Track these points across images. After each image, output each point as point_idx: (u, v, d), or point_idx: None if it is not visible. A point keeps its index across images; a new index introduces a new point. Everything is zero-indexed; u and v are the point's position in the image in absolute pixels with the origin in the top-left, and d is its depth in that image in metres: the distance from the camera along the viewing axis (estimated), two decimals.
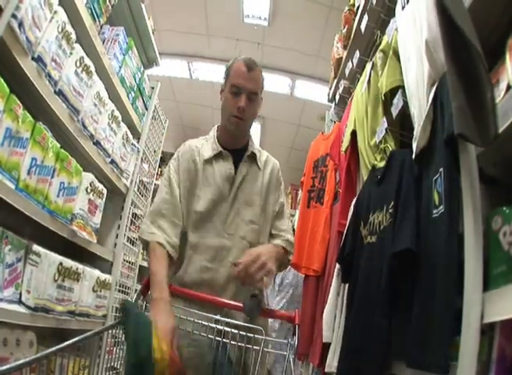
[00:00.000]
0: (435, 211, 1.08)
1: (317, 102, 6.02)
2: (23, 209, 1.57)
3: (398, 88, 1.58)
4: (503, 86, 0.98)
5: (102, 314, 2.27)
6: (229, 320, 1.34)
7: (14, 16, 1.41)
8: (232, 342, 1.29)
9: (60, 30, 1.73)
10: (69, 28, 1.80)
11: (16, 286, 1.59)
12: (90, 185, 2.10)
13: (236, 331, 1.29)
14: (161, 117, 3.52)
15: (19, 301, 1.60)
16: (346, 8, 2.72)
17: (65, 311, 1.84)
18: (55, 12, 1.68)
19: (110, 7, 2.32)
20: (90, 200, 2.11)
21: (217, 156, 1.69)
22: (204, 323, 1.32)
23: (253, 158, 1.73)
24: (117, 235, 2.70)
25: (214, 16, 5.17)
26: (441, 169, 1.07)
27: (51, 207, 1.76)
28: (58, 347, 0.93)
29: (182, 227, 1.58)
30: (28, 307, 1.60)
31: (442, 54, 1.06)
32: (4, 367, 0.74)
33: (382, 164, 1.61)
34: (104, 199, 2.31)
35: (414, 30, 1.37)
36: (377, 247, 1.38)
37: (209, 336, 1.30)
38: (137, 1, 2.79)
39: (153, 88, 3.23)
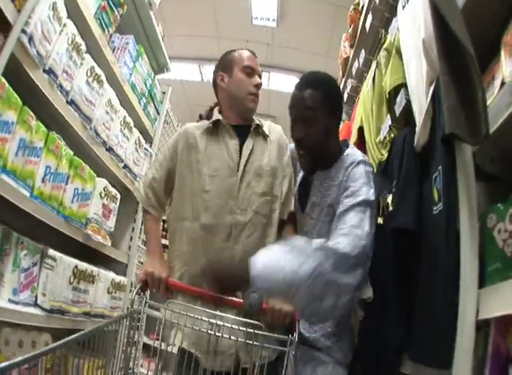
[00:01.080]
0: (434, 208, 1.10)
1: None
2: (39, 215, 1.63)
3: (401, 86, 1.59)
4: (497, 83, 0.99)
5: (117, 315, 2.33)
6: (229, 316, 1.33)
7: (24, 31, 1.47)
8: (232, 338, 1.28)
9: (70, 42, 1.79)
10: (78, 39, 1.86)
11: (32, 289, 1.66)
12: (104, 190, 2.16)
13: (236, 327, 1.28)
14: (173, 121, 3.58)
15: (35, 304, 1.67)
16: (352, 7, 2.73)
17: (80, 312, 1.91)
18: (64, 25, 1.74)
19: (119, 16, 2.37)
20: (104, 204, 2.17)
21: (221, 131, 1.67)
22: (204, 318, 1.31)
23: (257, 129, 1.70)
24: (131, 238, 2.77)
25: (223, 19, 5.23)
26: (440, 167, 1.08)
27: (65, 212, 1.82)
28: (58, 343, 0.95)
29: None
30: (44, 309, 1.66)
31: None
32: (3, 364, 0.76)
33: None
34: (118, 203, 2.38)
35: (413, 29, 1.39)
36: (385, 228, 1.36)
37: (209, 332, 1.29)
38: (146, 8, 2.84)
39: (164, 93, 3.28)
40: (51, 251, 1.72)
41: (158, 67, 3.39)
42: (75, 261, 1.84)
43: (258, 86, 1.72)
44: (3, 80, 1.40)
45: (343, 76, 3.05)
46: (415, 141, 1.29)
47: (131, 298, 1.40)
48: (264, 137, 1.69)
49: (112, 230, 2.31)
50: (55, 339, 1.69)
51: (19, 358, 0.80)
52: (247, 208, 1.55)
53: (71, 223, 1.87)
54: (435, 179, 1.12)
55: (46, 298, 1.67)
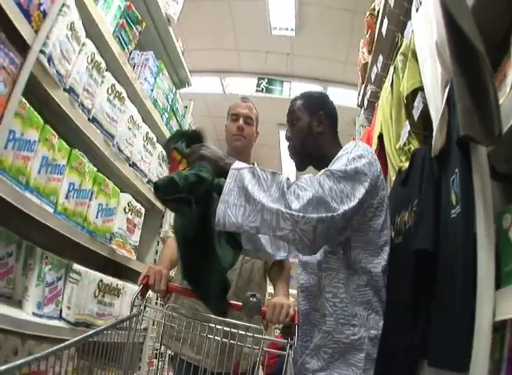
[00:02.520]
0: (453, 211, 1.07)
1: (348, 107, 6.00)
2: (63, 231, 1.67)
3: (418, 90, 1.57)
4: (509, 80, 0.96)
5: (143, 327, 2.35)
6: (227, 320, 1.34)
7: (42, 51, 1.51)
8: (232, 341, 1.29)
9: (90, 60, 1.84)
10: (98, 58, 1.91)
11: (57, 303, 1.69)
12: (128, 205, 2.20)
13: (235, 331, 1.30)
14: None
15: (60, 317, 1.71)
16: (368, 13, 2.72)
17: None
18: (84, 44, 1.79)
19: (137, 34, 2.43)
20: (128, 219, 2.21)
21: None
22: (203, 323, 1.33)
23: None
24: (156, 251, 2.80)
25: (242, 31, 5.28)
26: (456, 170, 1.06)
27: (90, 228, 1.87)
28: (60, 346, 0.98)
29: None
30: (68, 322, 1.70)
31: None
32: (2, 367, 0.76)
33: (407, 165, 1.60)
34: (142, 218, 2.41)
35: (427, 31, 1.37)
36: (403, 247, 1.36)
37: (209, 336, 1.31)
38: (165, 24, 2.90)
39: (186, 107, 3.33)
40: (76, 266, 1.75)
41: (180, 82, 3.45)
42: (100, 275, 1.88)
43: (240, 127, 1.96)
44: (24, 100, 1.44)
45: (363, 83, 3.03)
46: (432, 145, 1.27)
47: (131, 302, 1.40)
48: None
49: (137, 244, 2.35)
50: (78, 352, 1.72)
51: (20, 361, 0.81)
52: None
53: (96, 238, 1.91)
54: (452, 182, 1.09)
55: (71, 311, 1.70)
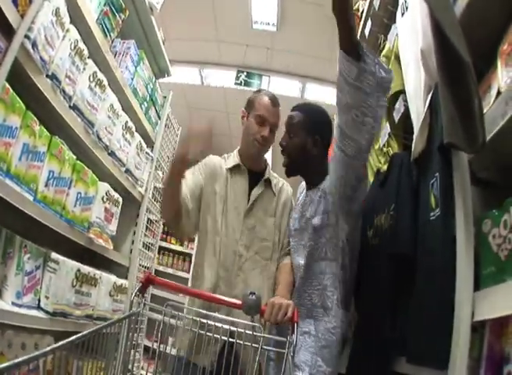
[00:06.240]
0: (432, 214, 1.12)
1: (327, 104, 6.08)
2: (42, 219, 1.65)
3: (400, 93, 1.62)
4: (493, 92, 1.01)
5: (117, 317, 2.33)
6: (226, 318, 1.36)
7: (27, 36, 1.48)
8: (231, 340, 1.30)
9: (73, 47, 1.81)
10: (81, 45, 1.88)
11: (35, 292, 1.68)
12: (106, 194, 2.18)
13: (234, 328, 1.31)
14: (174, 125, 3.60)
15: (38, 307, 1.69)
16: None
17: (83, 315, 1.93)
18: (67, 31, 1.76)
19: (121, 22, 2.39)
20: (106, 208, 2.19)
21: (236, 170, 1.90)
22: (202, 320, 1.33)
23: (268, 183, 1.91)
24: (133, 241, 2.79)
25: (223, 23, 5.26)
26: (436, 174, 1.11)
27: (68, 216, 1.85)
28: (56, 344, 0.98)
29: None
30: (47, 312, 1.69)
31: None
32: (1, 366, 0.77)
33: (385, 167, 1.65)
34: (120, 207, 2.40)
35: (412, 36, 1.41)
36: (379, 248, 1.42)
37: (207, 334, 1.32)
38: (147, 13, 2.86)
39: (165, 97, 3.31)
40: (54, 255, 1.74)
41: (160, 71, 3.41)
42: (77, 264, 1.86)
43: (264, 137, 1.83)
44: (7, 85, 1.41)
45: None
46: (412, 148, 1.32)
47: (130, 300, 1.41)
48: (273, 192, 1.91)
49: (114, 233, 2.34)
50: (57, 342, 1.70)
51: (19, 359, 0.82)
52: (249, 246, 1.79)
53: (74, 226, 1.89)
54: (432, 185, 1.15)
55: (49, 300, 1.69)
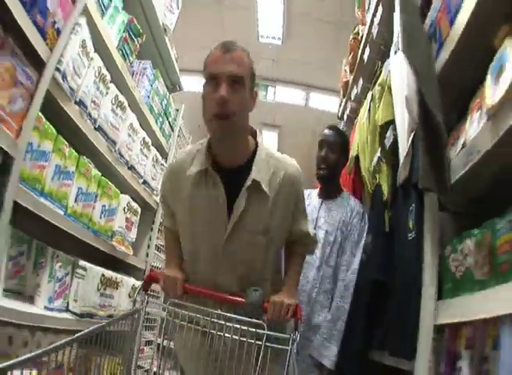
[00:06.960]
0: (409, 234, 1.35)
1: (330, 113, 6.29)
2: (72, 231, 1.85)
3: (391, 123, 1.77)
4: (460, 143, 1.18)
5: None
6: (231, 315, 1.33)
7: (58, 69, 1.62)
8: (234, 337, 1.29)
9: (97, 74, 1.99)
10: (104, 71, 2.06)
11: (64, 297, 1.87)
12: (127, 205, 2.41)
13: (238, 326, 1.29)
14: (185, 135, 3.82)
15: (67, 310, 1.87)
16: (351, 36, 2.94)
17: (106, 315, 2.14)
18: (92, 59, 1.92)
19: (138, 46, 2.58)
20: (127, 218, 2.42)
21: (206, 177, 1.40)
22: (205, 317, 1.33)
23: (257, 185, 1.38)
24: (148, 245, 3.02)
25: (232, 37, 5.43)
26: (413, 205, 1.33)
27: (95, 227, 2.07)
28: (63, 341, 1.04)
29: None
30: (75, 314, 1.87)
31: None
32: (6, 363, 0.82)
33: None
34: (139, 216, 2.62)
35: (401, 79, 1.57)
36: (365, 264, 1.77)
37: (211, 331, 1.31)
38: (161, 34, 3.05)
39: (177, 110, 3.51)
40: (82, 262, 1.93)
41: (172, 85, 3.61)
42: (102, 269, 2.07)
43: (221, 99, 1.26)
44: (40, 114, 1.56)
45: (344, 97, 3.27)
46: (398, 176, 1.52)
47: (134, 297, 1.42)
48: (264, 195, 1.39)
49: (134, 240, 2.56)
50: (81, 342, 1.88)
51: (24, 357, 0.87)
52: (231, 273, 1.44)
53: (99, 236, 2.11)
54: (411, 211, 1.36)
55: (77, 303, 1.88)
